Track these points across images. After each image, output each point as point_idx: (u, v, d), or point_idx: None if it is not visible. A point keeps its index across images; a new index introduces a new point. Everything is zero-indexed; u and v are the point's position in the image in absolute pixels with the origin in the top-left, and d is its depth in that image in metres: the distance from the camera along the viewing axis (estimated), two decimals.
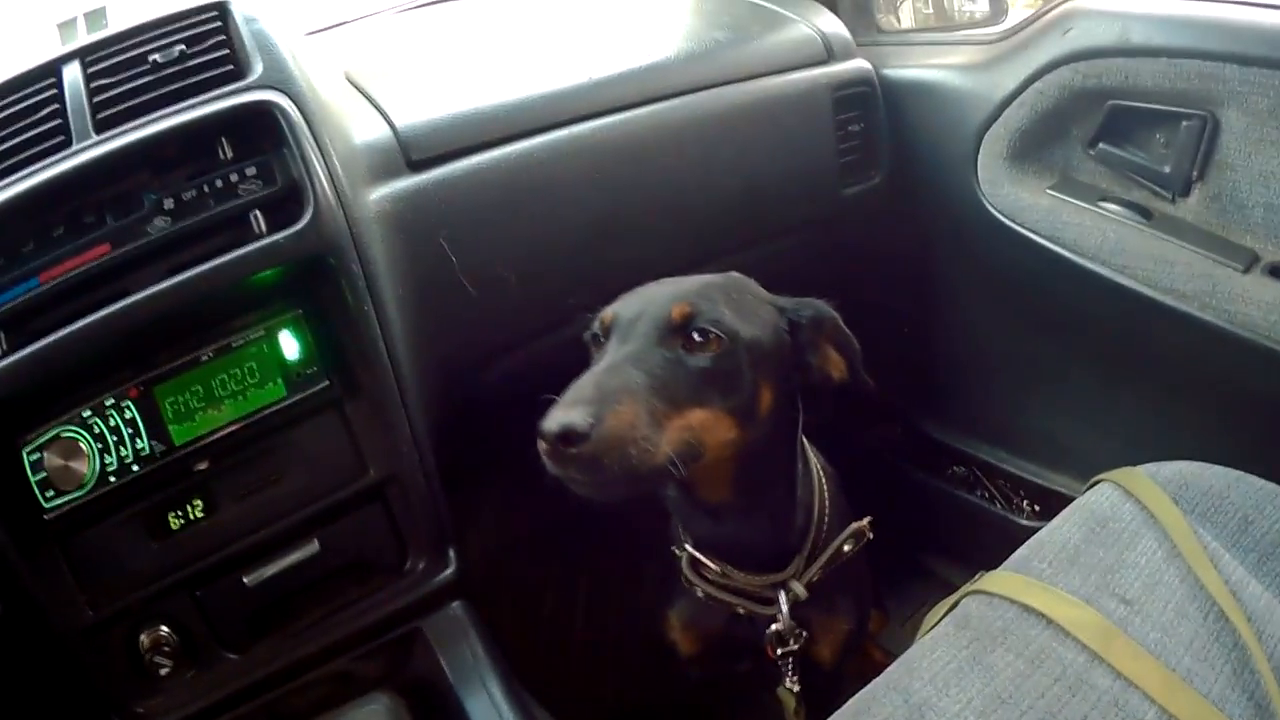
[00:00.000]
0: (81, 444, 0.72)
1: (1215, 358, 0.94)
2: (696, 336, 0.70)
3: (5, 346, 0.69)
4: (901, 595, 1.35)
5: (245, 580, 0.77)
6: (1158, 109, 0.95)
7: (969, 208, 1.10)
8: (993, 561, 0.73)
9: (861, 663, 1.21)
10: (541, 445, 0.63)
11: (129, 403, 0.73)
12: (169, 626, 0.76)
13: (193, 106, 0.75)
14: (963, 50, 1.13)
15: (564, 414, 0.62)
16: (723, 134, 1.03)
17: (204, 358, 0.75)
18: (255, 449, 0.77)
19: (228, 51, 0.80)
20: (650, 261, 1.01)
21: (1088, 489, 0.79)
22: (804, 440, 0.84)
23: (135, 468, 0.73)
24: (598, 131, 0.95)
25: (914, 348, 1.32)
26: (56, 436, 0.72)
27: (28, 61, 0.82)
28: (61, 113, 0.76)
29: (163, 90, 0.76)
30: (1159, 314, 0.95)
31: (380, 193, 0.83)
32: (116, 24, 0.84)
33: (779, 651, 0.83)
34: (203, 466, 0.76)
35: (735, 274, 0.80)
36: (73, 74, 0.79)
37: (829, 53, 1.13)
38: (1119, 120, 0.99)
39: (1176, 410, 1.04)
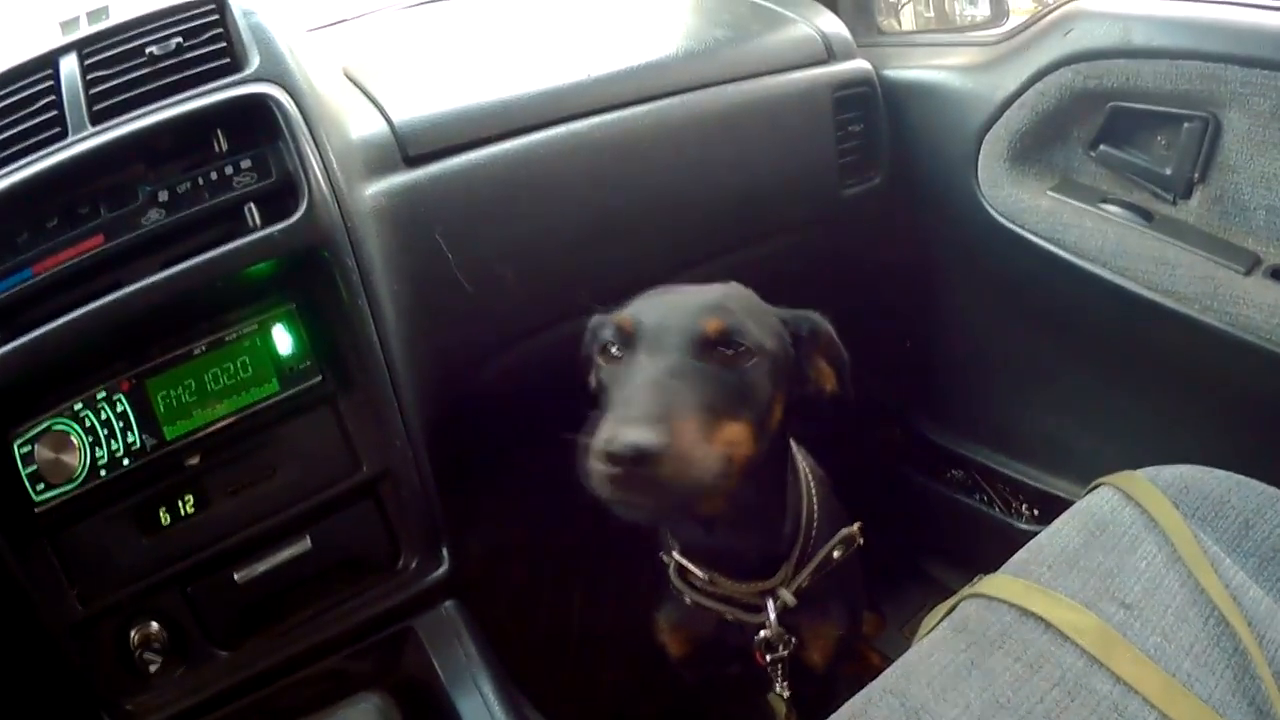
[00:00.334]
0: (72, 437, 0.72)
1: (1216, 360, 0.93)
2: (729, 350, 0.69)
3: None
4: (899, 599, 1.35)
5: (236, 577, 0.76)
6: (1159, 110, 0.94)
7: (969, 209, 1.09)
8: (991, 566, 0.73)
9: (859, 667, 1.20)
10: (603, 469, 0.59)
11: (121, 396, 0.72)
12: (159, 623, 0.75)
13: (189, 99, 0.75)
14: (963, 51, 1.13)
15: (632, 432, 0.58)
16: (722, 133, 1.03)
17: (197, 351, 0.74)
18: (247, 444, 0.76)
19: (225, 44, 0.79)
20: (648, 260, 1.01)
21: (1087, 493, 0.79)
22: (792, 444, 0.84)
23: (126, 461, 0.72)
24: (596, 129, 0.95)
25: (913, 350, 1.32)
26: (48, 429, 0.71)
27: (25, 53, 0.82)
28: (58, 104, 0.75)
29: (159, 82, 0.76)
30: (1160, 316, 0.95)
31: (376, 188, 0.82)
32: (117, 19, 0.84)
33: (768, 658, 0.82)
34: (194, 461, 0.75)
35: (736, 284, 0.78)
36: (70, 66, 0.79)
37: (829, 52, 1.12)
38: (1120, 121, 0.99)
39: (1177, 413, 1.04)
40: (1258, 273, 0.90)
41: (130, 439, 0.72)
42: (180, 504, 0.75)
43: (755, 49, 1.09)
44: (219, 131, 0.75)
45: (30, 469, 0.71)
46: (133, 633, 0.75)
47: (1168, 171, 0.96)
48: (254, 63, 0.77)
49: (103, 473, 0.72)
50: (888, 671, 0.65)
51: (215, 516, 0.76)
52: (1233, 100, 0.88)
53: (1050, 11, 1.03)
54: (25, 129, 0.74)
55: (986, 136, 1.07)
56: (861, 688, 0.65)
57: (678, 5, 1.23)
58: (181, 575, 0.75)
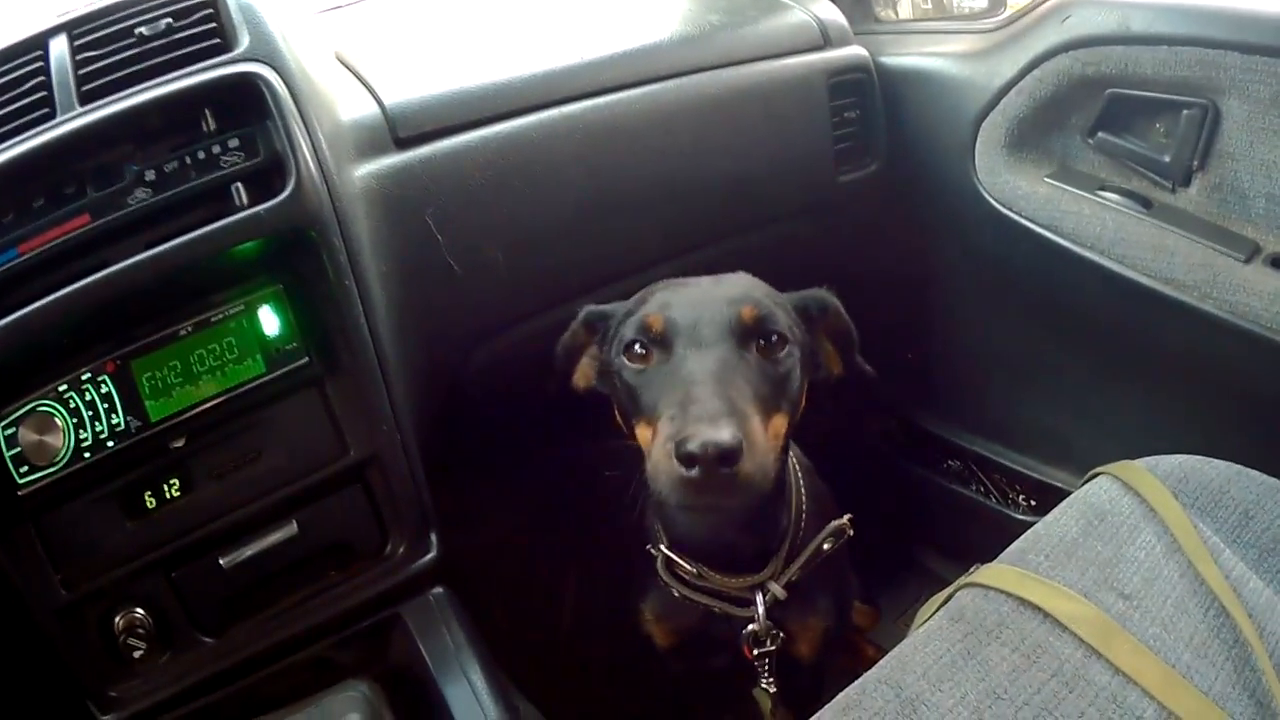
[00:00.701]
0: (56, 419, 0.71)
1: (1215, 349, 0.93)
2: (768, 340, 0.68)
3: None
4: (895, 590, 1.34)
5: (222, 562, 0.75)
6: (1158, 97, 0.94)
7: (966, 196, 1.09)
8: (988, 557, 0.72)
9: (853, 659, 1.19)
10: (679, 471, 0.57)
11: (106, 377, 0.71)
12: (144, 608, 0.75)
13: (178, 78, 0.74)
14: (961, 39, 1.12)
15: (712, 430, 0.56)
16: (716, 118, 1.02)
17: (182, 332, 0.73)
18: (233, 427, 0.75)
19: (214, 25, 0.78)
20: (640, 246, 1.00)
21: (1086, 482, 0.78)
22: None
23: (110, 444, 0.71)
24: (589, 112, 0.94)
25: (909, 339, 1.31)
26: (31, 410, 0.70)
27: (15, 35, 0.81)
28: (47, 85, 0.75)
29: (149, 63, 0.75)
30: (1158, 304, 0.94)
31: (366, 169, 0.82)
32: None
33: (755, 652, 0.82)
34: (179, 444, 0.74)
35: (744, 273, 0.77)
36: (59, 47, 0.78)
37: (825, 38, 1.12)
38: (1118, 109, 0.98)
39: (1176, 402, 1.03)
40: (1257, 260, 0.89)
41: (115, 421, 0.71)
42: (165, 487, 0.74)
43: (751, 34, 1.08)
44: (207, 111, 0.74)
45: (14, 451, 0.70)
46: (117, 618, 0.74)
47: (1166, 159, 0.95)
48: (244, 43, 0.76)
49: (87, 455, 0.71)
50: (883, 662, 0.64)
51: (201, 500, 0.75)
52: (1232, 87, 0.87)
53: None
54: (14, 110, 0.73)
55: (984, 123, 1.06)
56: (854, 680, 0.64)
57: None
58: (166, 560, 0.74)
